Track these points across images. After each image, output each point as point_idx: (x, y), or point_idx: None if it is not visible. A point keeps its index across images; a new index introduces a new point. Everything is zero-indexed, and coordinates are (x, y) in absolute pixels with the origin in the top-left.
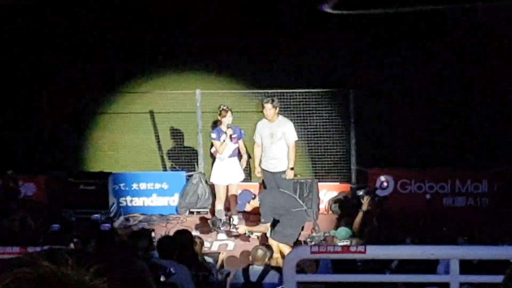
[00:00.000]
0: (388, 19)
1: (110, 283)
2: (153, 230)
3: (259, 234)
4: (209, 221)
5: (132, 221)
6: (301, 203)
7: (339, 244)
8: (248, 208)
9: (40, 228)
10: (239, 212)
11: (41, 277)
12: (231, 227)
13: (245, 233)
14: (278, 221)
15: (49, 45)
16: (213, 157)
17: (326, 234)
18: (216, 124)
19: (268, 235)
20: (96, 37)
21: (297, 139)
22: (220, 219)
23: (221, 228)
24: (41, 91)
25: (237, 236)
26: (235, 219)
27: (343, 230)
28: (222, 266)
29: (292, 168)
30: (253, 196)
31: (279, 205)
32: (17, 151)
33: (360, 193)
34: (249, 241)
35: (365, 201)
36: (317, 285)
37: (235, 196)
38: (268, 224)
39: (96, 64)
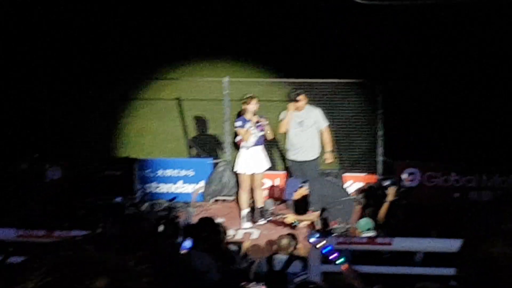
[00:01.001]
0: (419, 10)
1: (154, 269)
2: (178, 217)
3: (307, 223)
4: (256, 210)
5: (157, 207)
6: (349, 192)
7: (362, 235)
8: (296, 196)
9: (64, 212)
10: (286, 200)
11: (85, 260)
12: (280, 216)
13: (293, 222)
14: (325, 209)
15: (79, 30)
16: (237, 146)
17: (348, 226)
18: (240, 113)
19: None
20: (126, 23)
21: (327, 123)
22: (267, 209)
23: (268, 219)
24: (70, 77)
25: (284, 225)
26: (258, 210)
27: (363, 221)
28: (246, 254)
29: (332, 151)
30: (301, 185)
31: (328, 194)
32: (44, 135)
33: (386, 183)
34: (296, 230)
35: (391, 191)
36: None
37: (260, 185)
38: (317, 213)
39: (125, 51)
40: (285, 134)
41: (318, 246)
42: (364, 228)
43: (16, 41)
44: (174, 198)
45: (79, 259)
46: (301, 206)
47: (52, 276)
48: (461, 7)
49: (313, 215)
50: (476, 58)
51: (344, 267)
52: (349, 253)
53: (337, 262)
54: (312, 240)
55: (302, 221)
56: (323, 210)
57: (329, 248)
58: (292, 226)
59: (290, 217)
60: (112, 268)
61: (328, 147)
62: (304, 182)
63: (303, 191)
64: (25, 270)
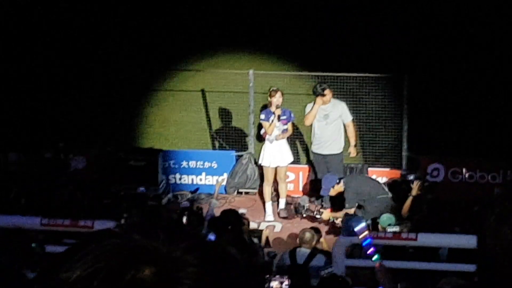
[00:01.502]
0: (445, 4)
1: (201, 259)
2: (201, 209)
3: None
4: (291, 206)
5: (180, 198)
6: (386, 189)
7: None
8: (332, 192)
9: (88, 201)
10: (322, 196)
11: (131, 249)
12: (315, 213)
13: (329, 219)
14: (361, 206)
15: (106, 21)
16: (262, 139)
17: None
18: (266, 106)
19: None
20: (152, 14)
21: (352, 118)
22: (303, 206)
23: (304, 215)
24: (97, 66)
25: (320, 221)
26: (282, 203)
27: (385, 216)
28: (266, 243)
29: (355, 145)
30: (337, 181)
31: (364, 191)
32: (70, 124)
33: (410, 177)
34: (333, 227)
35: (415, 186)
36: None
37: (284, 178)
38: (353, 210)
39: (150, 42)
40: (309, 127)
41: (361, 236)
42: (386, 223)
43: (41, 29)
44: (197, 190)
45: (126, 248)
46: (337, 203)
47: (98, 265)
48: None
49: (348, 212)
50: (503, 53)
51: (377, 264)
52: (382, 249)
53: (373, 258)
54: (357, 228)
55: (337, 217)
56: (359, 207)
57: (369, 241)
58: (328, 223)
59: (326, 214)
60: (158, 257)
61: (353, 141)
62: (340, 178)
63: (339, 187)
64: (70, 258)
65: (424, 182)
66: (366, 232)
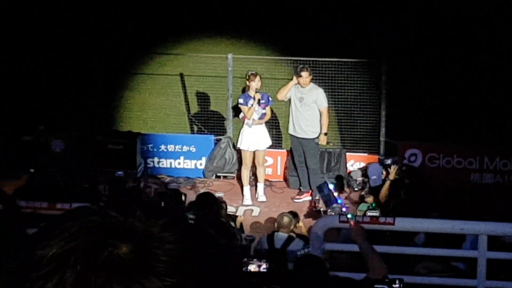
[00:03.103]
0: None
1: (179, 236)
2: (185, 194)
3: None
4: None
5: (159, 182)
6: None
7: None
8: (391, 176)
9: (68, 184)
10: (375, 186)
11: (109, 226)
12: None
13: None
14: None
15: (84, 5)
16: (242, 123)
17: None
18: (244, 90)
19: None
20: None
21: (327, 105)
22: (356, 179)
23: (356, 188)
24: (75, 50)
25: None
26: (260, 187)
27: (364, 206)
28: (240, 228)
29: (325, 134)
30: (388, 163)
31: None
32: (49, 108)
33: (388, 162)
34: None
35: (392, 170)
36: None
37: (263, 162)
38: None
39: (128, 25)
40: (288, 111)
41: (336, 194)
42: (365, 207)
43: (19, 14)
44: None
45: (103, 225)
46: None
47: (76, 241)
48: None
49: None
50: (481, 38)
51: (352, 222)
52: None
53: (348, 216)
54: (331, 187)
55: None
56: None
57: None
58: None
59: (370, 199)
60: (136, 234)
61: (324, 128)
62: (390, 162)
63: (394, 169)
64: (47, 236)
65: (401, 167)
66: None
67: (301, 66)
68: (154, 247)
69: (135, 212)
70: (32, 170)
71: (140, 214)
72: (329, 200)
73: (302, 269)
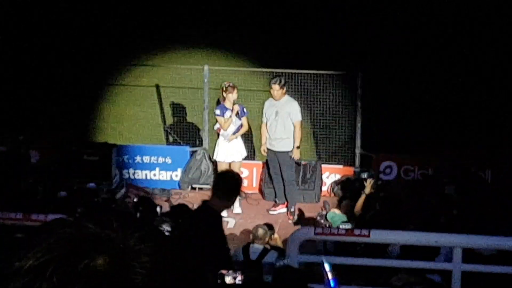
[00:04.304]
0: (399, 3)
1: (155, 248)
2: (155, 204)
3: None
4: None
5: (134, 193)
6: None
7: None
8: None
9: (44, 195)
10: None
11: (85, 238)
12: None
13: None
14: None
15: (58, 16)
16: (217, 134)
17: (317, 218)
18: (219, 101)
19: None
20: (107, 9)
21: (300, 119)
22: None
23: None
24: (51, 61)
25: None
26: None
27: (336, 216)
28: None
29: (298, 147)
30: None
31: None
32: (26, 118)
33: (364, 175)
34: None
35: (368, 184)
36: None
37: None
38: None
39: (105, 36)
40: (258, 117)
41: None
42: (338, 222)
43: None
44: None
45: (79, 237)
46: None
47: (52, 254)
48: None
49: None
50: (456, 51)
51: None
52: (332, 245)
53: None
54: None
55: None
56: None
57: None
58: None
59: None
60: (112, 246)
61: (297, 142)
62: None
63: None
64: (24, 247)
65: (377, 181)
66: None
67: (273, 78)
68: (130, 259)
69: (112, 224)
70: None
71: (117, 226)
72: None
73: (282, 281)
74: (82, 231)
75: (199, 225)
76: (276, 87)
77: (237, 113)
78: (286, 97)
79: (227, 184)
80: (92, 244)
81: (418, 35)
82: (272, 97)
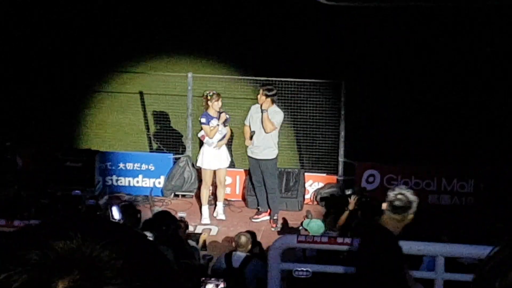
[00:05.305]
0: (383, 12)
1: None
2: (138, 210)
3: None
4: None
5: (117, 200)
6: None
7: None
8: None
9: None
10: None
11: (48, 263)
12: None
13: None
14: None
15: (42, 23)
16: (201, 142)
17: (300, 228)
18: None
19: None
20: (92, 15)
21: (277, 128)
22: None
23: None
24: (35, 67)
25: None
26: (220, 206)
27: (316, 226)
28: (203, 246)
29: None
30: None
31: None
32: (11, 124)
33: (348, 192)
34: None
35: (352, 200)
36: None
37: (223, 181)
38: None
39: (89, 43)
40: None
41: None
42: (318, 232)
43: None
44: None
45: (42, 263)
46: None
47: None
48: (424, 9)
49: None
50: (439, 59)
51: None
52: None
53: None
54: None
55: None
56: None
57: None
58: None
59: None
60: (81, 261)
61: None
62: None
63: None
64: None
65: (361, 198)
66: None
67: (264, 85)
68: (102, 270)
69: (76, 235)
70: None
71: (82, 236)
72: None
73: None
74: (45, 255)
75: None
76: (260, 95)
77: (225, 121)
78: (274, 106)
79: None
80: (54, 268)
81: (401, 44)
82: (259, 103)
